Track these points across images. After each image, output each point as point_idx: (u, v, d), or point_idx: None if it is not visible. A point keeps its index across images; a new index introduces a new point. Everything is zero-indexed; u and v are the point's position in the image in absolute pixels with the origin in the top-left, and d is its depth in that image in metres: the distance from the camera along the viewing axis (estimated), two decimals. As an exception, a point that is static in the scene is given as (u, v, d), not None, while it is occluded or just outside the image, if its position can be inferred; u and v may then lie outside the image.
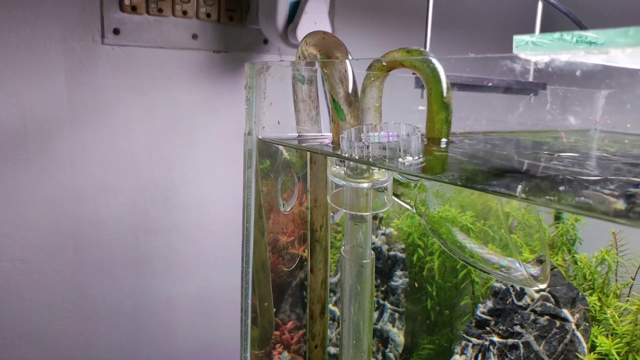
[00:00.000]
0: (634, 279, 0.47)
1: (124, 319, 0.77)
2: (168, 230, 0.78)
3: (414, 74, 0.48)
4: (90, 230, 0.72)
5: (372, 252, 0.41)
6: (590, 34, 0.20)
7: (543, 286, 0.38)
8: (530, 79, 0.48)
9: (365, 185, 0.38)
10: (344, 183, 0.38)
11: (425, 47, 0.65)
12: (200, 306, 0.83)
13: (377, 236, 0.60)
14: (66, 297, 0.72)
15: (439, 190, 0.43)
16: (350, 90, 0.41)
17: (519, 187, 0.27)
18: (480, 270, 0.42)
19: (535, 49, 0.23)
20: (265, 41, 0.79)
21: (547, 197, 0.23)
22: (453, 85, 0.47)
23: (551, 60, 0.21)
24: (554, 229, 0.55)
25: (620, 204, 0.22)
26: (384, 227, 0.60)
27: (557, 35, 0.21)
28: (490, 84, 0.42)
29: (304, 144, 0.45)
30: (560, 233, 0.54)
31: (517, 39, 0.23)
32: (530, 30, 0.68)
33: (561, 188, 0.26)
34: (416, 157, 0.35)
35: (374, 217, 0.60)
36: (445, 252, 0.57)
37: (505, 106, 0.45)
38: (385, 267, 0.59)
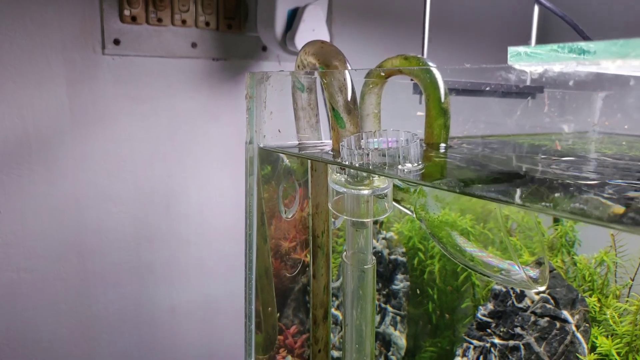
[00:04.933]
0: (633, 280, 0.48)
1: (127, 327, 0.78)
2: (169, 238, 0.79)
3: (412, 80, 0.48)
4: (92, 239, 0.73)
5: (374, 258, 0.41)
6: (582, 45, 0.20)
7: (542, 288, 0.39)
8: (528, 82, 0.48)
9: (366, 192, 0.39)
10: (345, 190, 0.39)
11: (422, 53, 0.66)
12: (203, 313, 0.84)
13: (377, 240, 0.60)
14: (70, 305, 0.73)
15: (438, 195, 0.43)
16: (349, 99, 0.41)
17: (517, 194, 0.27)
18: (481, 273, 0.42)
19: (529, 60, 0.23)
20: (264, 48, 0.80)
21: (544, 204, 0.24)
22: (451, 90, 0.47)
23: (545, 70, 0.22)
24: (553, 231, 0.55)
25: (616, 209, 0.22)
26: (384, 232, 0.61)
27: (550, 46, 0.22)
28: (487, 89, 0.43)
29: (304, 152, 0.46)
30: (560, 235, 0.54)
31: (512, 50, 0.24)
32: (527, 33, 0.68)
33: (558, 194, 0.26)
34: (416, 164, 0.36)
35: (374, 222, 0.61)
36: (445, 256, 0.57)
37: (504, 110, 0.45)
38: (386, 271, 0.60)
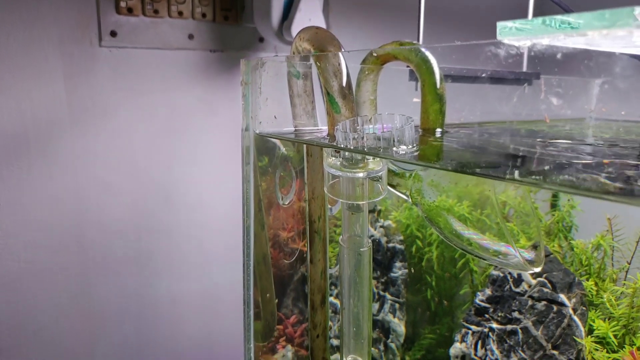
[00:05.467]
0: (629, 263, 0.48)
1: (128, 317, 0.78)
2: (169, 229, 0.79)
3: (407, 66, 0.48)
4: (93, 230, 0.73)
5: (369, 241, 0.41)
6: (571, 19, 0.20)
7: (538, 269, 0.39)
8: (524, 69, 0.48)
9: (361, 174, 0.39)
10: (340, 173, 0.39)
11: (418, 42, 0.66)
12: (203, 303, 0.84)
13: (375, 229, 0.60)
14: (71, 296, 0.73)
15: (433, 180, 0.44)
16: (344, 84, 0.41)
17: (509, 169, 0.27)
18: (478, 257, 0.42)
19: (518, 34, 0.23)
20: (261, 39, 0.80)
21: (534, 177, 0.24)
22: (447, 77, 0.47)
23: (534, 44, 0.22)
24: (551, 217, 0.56)
25: (604, 180, 0.22)
26: (382, 220, 0.61)
27: (539, 20, 0.22)
28: (484, 75, 0.43)
29: (299, 137, 0.46)
30: (557, 220, 0.54)
31: (501, 24, 0.24)
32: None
33: (552, 169, 0.27)
34: (410, 146, 0.36)
35: (373, 210, 0.61)
36: (443, 243, 0.57)
37: (500, 97, 0.45)
38: (384, 259, 0.60)
